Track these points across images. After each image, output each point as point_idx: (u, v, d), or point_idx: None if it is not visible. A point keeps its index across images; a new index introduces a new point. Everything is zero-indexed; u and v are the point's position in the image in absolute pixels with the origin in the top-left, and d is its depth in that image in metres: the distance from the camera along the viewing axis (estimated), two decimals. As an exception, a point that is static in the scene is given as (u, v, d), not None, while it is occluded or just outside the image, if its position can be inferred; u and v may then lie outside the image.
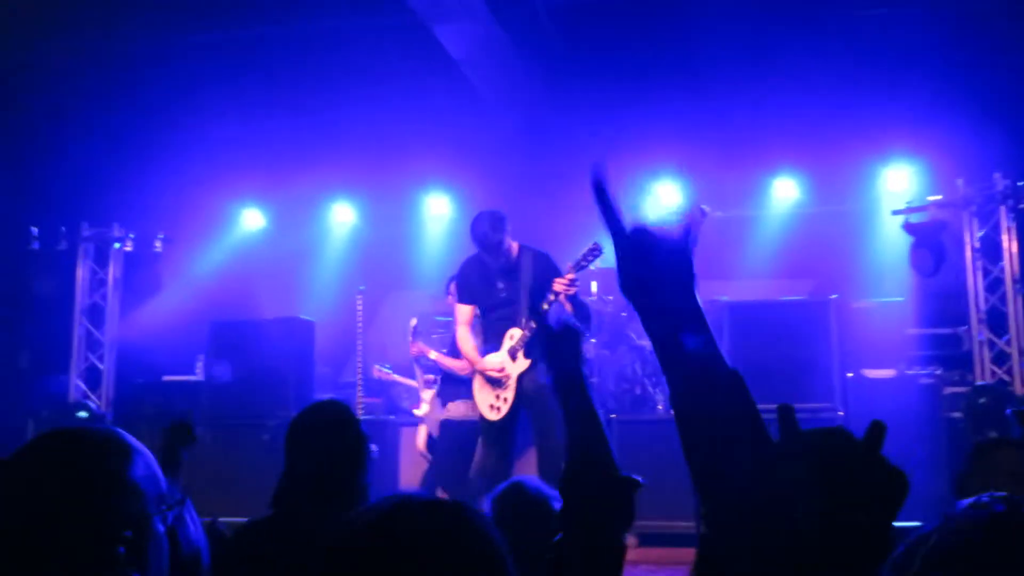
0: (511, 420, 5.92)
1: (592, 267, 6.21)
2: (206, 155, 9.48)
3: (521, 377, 5.95)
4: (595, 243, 5.91)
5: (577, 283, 5.88)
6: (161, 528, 1.36)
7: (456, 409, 6.74)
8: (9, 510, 1.29)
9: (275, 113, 9.15)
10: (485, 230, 5.92)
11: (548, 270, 5.98)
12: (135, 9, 7.79)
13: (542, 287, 5.92)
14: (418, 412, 7.53)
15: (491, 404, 6.00)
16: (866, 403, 6.58)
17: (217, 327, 8.05)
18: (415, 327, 7.61)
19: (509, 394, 5.96)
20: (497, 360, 6.01)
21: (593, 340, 8.40)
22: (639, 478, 1.72)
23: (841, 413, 6.81)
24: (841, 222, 9.04)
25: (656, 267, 1.24)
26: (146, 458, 1.39)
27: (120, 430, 1.43)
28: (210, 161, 9.53)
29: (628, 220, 1.26)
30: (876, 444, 1.11)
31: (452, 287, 6.69)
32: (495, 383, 6.00)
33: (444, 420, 6.81)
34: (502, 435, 5.94)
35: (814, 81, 7.94)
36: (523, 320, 5.93)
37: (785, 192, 9.36)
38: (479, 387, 6.11)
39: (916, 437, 6.17)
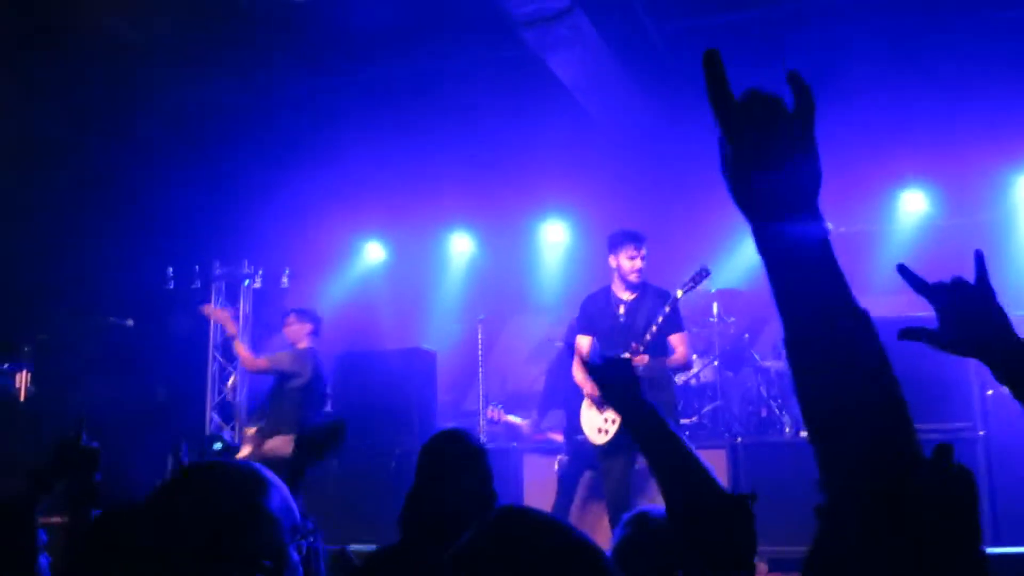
0: (621, 442, 5.91)
1: (701, 288, 6.33)
2: (328, 190, 9.73)
3: None
4: (702, 266, 6.08)
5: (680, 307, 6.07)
6: (296, 557, 1.42)
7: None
8: (159, 541, 1.36)
9: (394, 147, 9.34)
10: (630, 235, 6.18)
11: (668, 308, 6.10)
12: (265, 53, 8.08)
13: (661, 323, 6.06)
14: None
15: (599, 427, 6.05)
16: (1008, 422, 6.24)
17: (343, 358, 8.18)
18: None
19: (617, 418, 5.97)
20: None
21: (716, 362, 8.32)
22: (750, 493, 1.66)
23: (982, 432, 6.52)
24: (975, 234, 8.46)
25: (772, 149, 1.08)
26: (281, 491, 1.47)
27: (255, 463, 1.51)
28: (332, 196, 9.78)
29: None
30: (940, 459, 1.02)
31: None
32: (602, 406, 6.02)
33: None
34: (613, 459, 5.95)
35: (941, 86, 7.80)
36: (632, 344, 6.01)
37: (914, 205, 9.11)
38: (586, 410, 6.17)
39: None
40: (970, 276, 1.76)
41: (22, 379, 8.46)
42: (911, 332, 1.72)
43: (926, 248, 8.70)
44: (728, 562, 1.57)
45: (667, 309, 5.99)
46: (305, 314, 7.71)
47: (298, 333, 7.56)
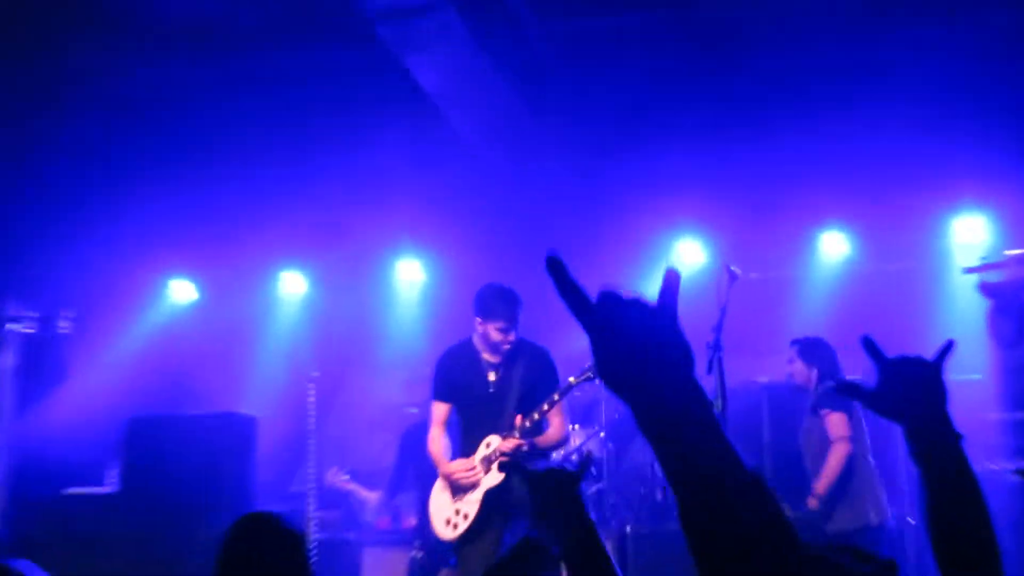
0: (479, 528, 5.99)
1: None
2: (124, 216, 9.61)
3: (489, 494, 6.05)
4: None
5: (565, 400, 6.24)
6: None
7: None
8: None
9: (208, 165, 9.29)
10: (505, 304, 6.20)
11: (545, 370, 6.26)
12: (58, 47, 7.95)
13: (537, 389, 6.17)
14: None
15: (447, 519, 6.13)
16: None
17: (136, 424, 8.00)
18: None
19: (471, 508, 6.07)
20: (465, 464, 6.19)
21: (602, 434, 8.40)
22: None
23: (912, 520, 6.76)
24: (902, 282, 9.11)
25: (636, 345, 1.26)
26: None
27: None
28: (129, 223, 9.67)
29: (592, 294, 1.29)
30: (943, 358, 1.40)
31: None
32: (457, 491, 6.16)
33: None
34: (471, 545, 6.03)
35: (864, 121, 8.09)
36: (506, 427, 6.11)
37: (834, 248, 9.42)
38: (437, 494, 6.26)
39: (1001, 537, 6.06)
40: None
41: None
42: (848, 388, 2.14)
43: (848, 296, 9.08)
44: None
45: (555, 397, 6.08)
46: None
47: None
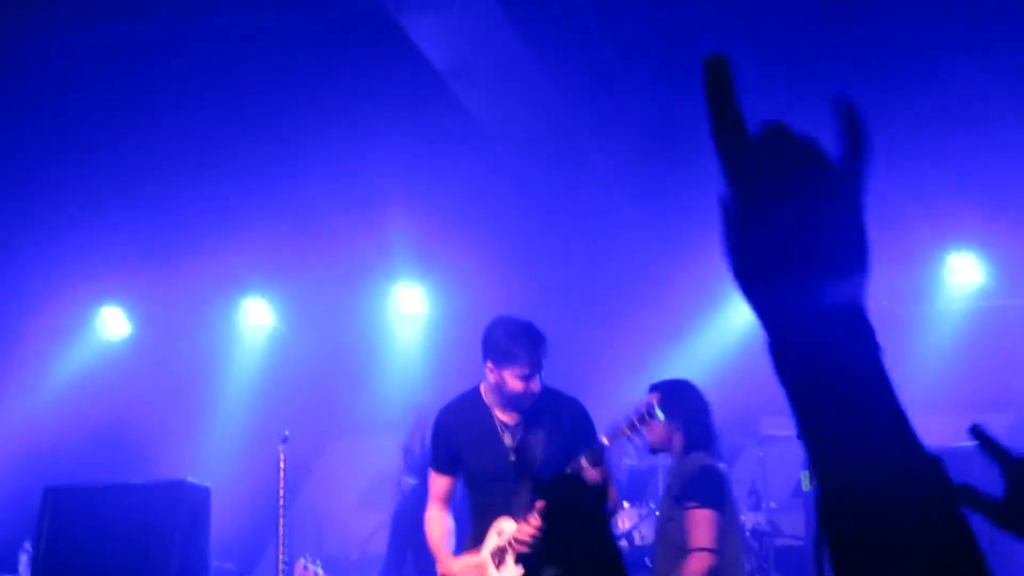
0: None
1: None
2: (40, 231, 9.60)
3: None
4: (649, 403, 5.67)
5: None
6: None
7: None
8: None
9: (151, 169, 9.16)
10: (526, 342, 5.69)
11: (581, 432, 5.75)
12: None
13: (564, 458, 5.68)
14: None
15: None
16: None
17: (55, 495, 7.63)
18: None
19: None
20: (471, 563, 5.79)
21: (658, 513, 7.76)
22: None
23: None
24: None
25: (798, 229, 1.11)
26: None
27: None
28: (44, 241, 9.66)
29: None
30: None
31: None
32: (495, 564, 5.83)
33: None
34: None
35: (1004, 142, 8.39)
36: (523, 508, 5.69)
37: (964, 276, 9.47)
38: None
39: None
40: None
41: None
42: (970, 497, 1.89)
43: (977, 336, 9.20)
44: None
45: (583, 463, 5.56)
46: None
47: None
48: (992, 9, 7.84)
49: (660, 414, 5.64)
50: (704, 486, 6.00)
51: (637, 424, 5.58)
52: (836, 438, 1.09)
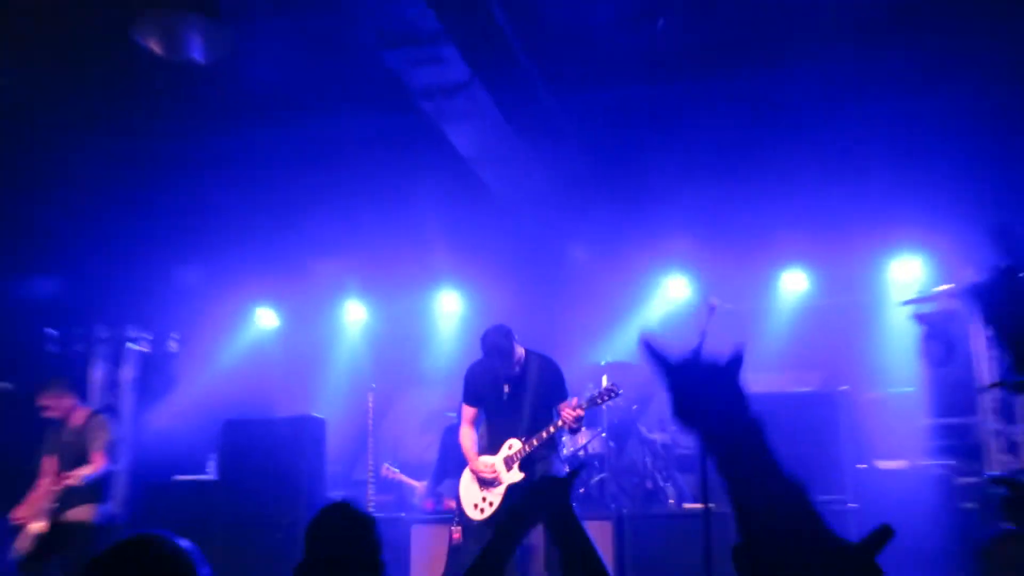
0: (493, 524, 5.90)
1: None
2: (221, 254, 9.66)
3: (512, 488, 6.03)
4: (613, 385, 6.07)
5: (583, 419, 6.05)
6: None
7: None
8: None
9: (288, 213, 9.30)
10: (496, 340, 6.08)
11: (553, 377, 6.16)
12: (155, 115, 8.02)
13: (547, 395, 6.11)
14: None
15: (475, 503, 6.11)
16: (878, 494, 6.49)
17: (229, 426, 7.94)
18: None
19: (496, 499, 6.04)
20: (490, 461, 6.14)
21: (603, 434, 8.31)
22: None
23: (853, 505, 6.68)
24: (850, 314, 9.00)
25: (706, 397, 1.29)
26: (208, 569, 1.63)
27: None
28: (224, 260, 9.70)
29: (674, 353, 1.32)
30: (876, 548, 1.21)
31: None
32: (484, 483, 6.10)
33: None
34: (482, 535, 5.85)
35: (818, 176, 8.04)
36: (523, 436, 6.05)
37: (794, 284, 9.37)
38: (466, 484, 6.21)
39: (929, 528, 6.11)
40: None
41: None
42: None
43: (805, 325, 9.01)
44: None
45: (566, 423, 5.93)
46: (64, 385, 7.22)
47: (71, 406, 7.09)
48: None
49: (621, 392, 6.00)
50: None
51: (605, 398, 6.01)
52: (740, 480, 1.24)
